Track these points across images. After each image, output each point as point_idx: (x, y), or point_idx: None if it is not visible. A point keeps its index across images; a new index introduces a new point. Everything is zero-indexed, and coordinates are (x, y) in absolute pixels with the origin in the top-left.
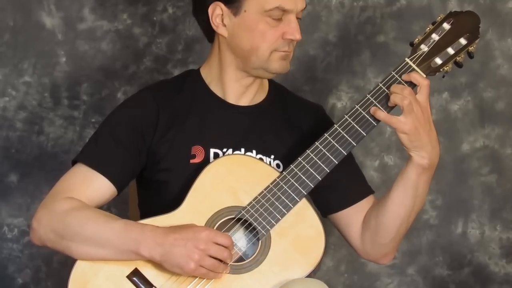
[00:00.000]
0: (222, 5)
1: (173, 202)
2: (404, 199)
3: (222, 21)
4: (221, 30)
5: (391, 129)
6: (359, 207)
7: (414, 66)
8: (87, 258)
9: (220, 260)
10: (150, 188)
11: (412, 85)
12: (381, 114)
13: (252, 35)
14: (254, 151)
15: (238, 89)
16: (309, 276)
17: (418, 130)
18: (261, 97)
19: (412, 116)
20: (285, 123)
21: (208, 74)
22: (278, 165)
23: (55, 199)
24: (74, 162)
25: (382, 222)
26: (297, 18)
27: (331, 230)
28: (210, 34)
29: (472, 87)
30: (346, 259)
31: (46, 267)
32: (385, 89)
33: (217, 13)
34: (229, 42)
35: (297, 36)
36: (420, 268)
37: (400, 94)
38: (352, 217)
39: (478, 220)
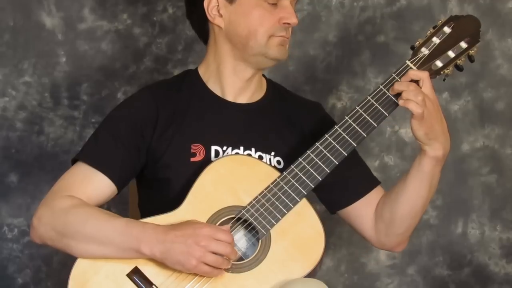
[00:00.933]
0: None
1: (173, 201)
2: (420, 191)
3: (218, 12)
4: (217, 21)
5: (391, 129)
6: (368, 199)
7: (414, 68)
8: (88, 256)
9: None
10: (151, 187)
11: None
12: (415, 108)
13: (249, 20)
14: (253, 149)
15: (237, 83)
16: (310, 275)
17: (432, 123)
18: (259, 95)
19: (425, 112)
20: (284, 120)
21: (206, 72)
22: (279, 162)
23: (55, 197)
24: (74, 161)
25: (398, 214)
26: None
27: (331, 230)
28: (204, 32)
29: (472, 87)
30: (346, 259)
31: (46, 267)
32: (386, 91)
33: (212, 5)
34: (226, 32)
35: (293, 19)
36: (420, 268)
37: (413, 91)
38: (362, 209)
39: (478, 220)
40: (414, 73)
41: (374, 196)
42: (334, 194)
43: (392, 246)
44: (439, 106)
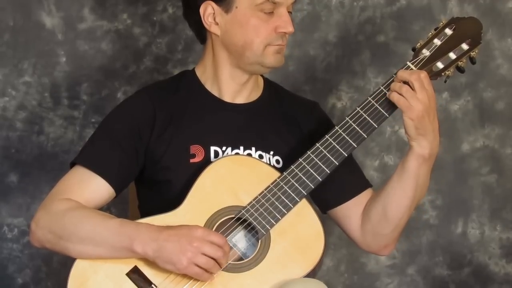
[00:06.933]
0: (213, 4)
1: (173, 202)
2: (406, 189)
3: (214, 19)
4: (213, 29)
5: (391, 129)
6: (358, 200)
7: (415, 69)
8: (85, 258)
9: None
10: (151, 188)
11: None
12: (395, 95)
13: (245, 31)
14: (253, 148)
15: (233, 87)
16: (309, 276)
17: (424, 117)
18: (256, 94)
19: (421, 102)
20: (282, 119)
21: (203, 74)
22: (277, 161)
23: (53, 201)
24: (72, 164)
25: (384, 213)
26: (289, 12)
27: (331, 230)
28: (202, 35)
29: (472, 87)
30: (346, 259)
31: (46, 267)
32: (386, 92)
33: (208, 12)
34: (223, 40)
35: (290, 28)
36: (420, 268)
37: (408, 79)
38: (350, 210)
39: (478, 220)
40: (402, 74)
41: (364, 197)
42: (325, 194)
43: (378, 248)
44: (435, 106)
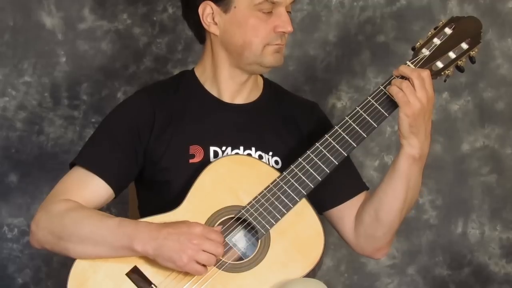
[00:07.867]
0: (212, 4)
1: (173, 202)
2: (396, 191)
3: (213, 19)
4: (212, 29)
5: (391, 129)
6: (353, 202)
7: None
8: (85, 257)
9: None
10: (150, 189)
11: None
12: (394, 88)
13: (244, 31)
14: (253, 148)
15: (233, 87)
16: (309, 276)
17: (419, 116)
18: (256, 94)
19: (419, 101)
20: (281, 119)
21: (202, 74)
22: (276, 162)
23: (52, 201)
24: (72, 165)
25: (375, 216)
26: (288, 12)
27: (331, 230)
28: (201, 35)
29: (472, 87)
30: (346, 259)
31: (46, 267)
32: (386, 91)
33: (207, 12)
34: (222, 39)
35: (289, 28)
36: (420, 268)
37: (409, 76)
38: (345, 212)
39: (478, 220)
40: (413, 72)
41: (359, 200)
42: (321, 195)
43: (372, 252)
44: (432, 108)
